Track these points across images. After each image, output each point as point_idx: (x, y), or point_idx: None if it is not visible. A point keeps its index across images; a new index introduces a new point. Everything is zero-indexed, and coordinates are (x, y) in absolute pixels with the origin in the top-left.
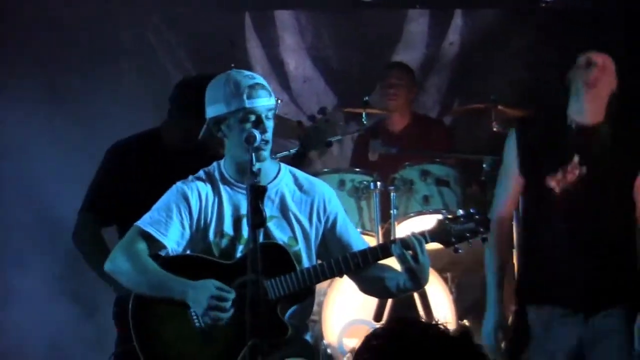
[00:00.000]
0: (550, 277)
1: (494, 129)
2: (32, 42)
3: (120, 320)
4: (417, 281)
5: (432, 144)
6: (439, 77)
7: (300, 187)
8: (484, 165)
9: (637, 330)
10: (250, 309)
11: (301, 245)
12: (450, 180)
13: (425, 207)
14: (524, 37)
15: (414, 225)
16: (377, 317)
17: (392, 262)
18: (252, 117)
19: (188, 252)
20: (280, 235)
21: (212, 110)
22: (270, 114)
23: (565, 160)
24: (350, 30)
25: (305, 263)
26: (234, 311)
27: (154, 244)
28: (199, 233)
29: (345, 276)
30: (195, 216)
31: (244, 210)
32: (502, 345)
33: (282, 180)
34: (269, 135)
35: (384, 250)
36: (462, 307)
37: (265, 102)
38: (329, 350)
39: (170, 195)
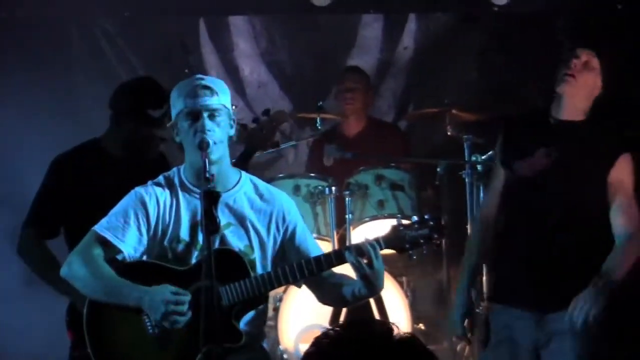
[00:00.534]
0: (511, 276)
1: (449, 133)
2: None
3: (73, 326)
4: (372, 288)
5: (387, 149)
6: (393, 82)
7: (260, 196)
8: (439, 170)
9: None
10: (205, 315)
11: (257, 254)
12: (405, 185)
13: (380, 211)
14: (477, 41)
15: (369, 230)
16: (333, 322)
17: (348, 269)
18: (190, 116)
19: (145, 257)
20: (236, 243)
21: (172, 117)
22: (216, 114)
23: (537, 149)
24: (305, 35)
25: (260, 272)
26: (190, 315)
27: (110, 249)
28: (156, 239)
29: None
30: (152, 222)
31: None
32: (469, 333)
33: (241, 188)
34: (212, 135)
35: (338, 256)
36: (418, 312)
37: (205, 101)
38: (285, 356)
39: (128, 201)
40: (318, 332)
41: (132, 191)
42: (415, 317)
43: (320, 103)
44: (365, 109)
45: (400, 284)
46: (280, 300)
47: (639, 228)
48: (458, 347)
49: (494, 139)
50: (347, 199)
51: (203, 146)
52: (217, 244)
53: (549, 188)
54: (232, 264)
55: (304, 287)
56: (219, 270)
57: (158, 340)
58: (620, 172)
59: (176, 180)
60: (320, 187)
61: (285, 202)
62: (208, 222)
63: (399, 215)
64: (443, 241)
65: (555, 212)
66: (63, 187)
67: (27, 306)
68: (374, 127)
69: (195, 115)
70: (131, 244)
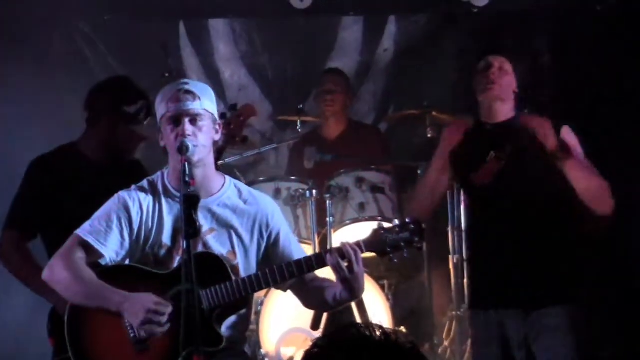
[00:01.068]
0: (493, 277)
1: (429, 135)
2: None
3: (55, 332)
4: (353, 291)
5: (367, 150)
6: (374, 84)
7: (244, 201)
8: (419, 172)
9: None
10: (185, 318)
11: (240, 260)
12: (386, 187)
13: (361, 214)
14: (457, 42)
15: (350, 232)
16: (314, 325)
17: (329, 272)
18: (172, 120)
19: (127, 261)
20: (219, 248)
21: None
22: (198, 119)
23: (484, 159)
24: (285, 38)
25: None
26: (169, 323)
27: (93, 253)
28: (138, 243)
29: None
30: (135, 226)
31: None
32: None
33: (225, 193)
34: (192, 139)
35: (318, 260)
36: (399, 314)
37: (187, 105)
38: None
39: (111, 205)
40: (299, 336)
41: (116, 195)
42: (397, 320)
43: (301, 106)
44: (345, 111)
45: (382, 286)
46: (262, 304)
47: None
48: (439, 350)
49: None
50: (328, 201)
51: (182, 150)
52: (200, 250)
53: (510, 189)
54: (213, 267)
55: (285, 290)
56: (199, 274)
57: (139, 345)
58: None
59: (159, 185)
60: (301, 190)
61: (269, 207)
62: (187, 226)
63: (379, 218)
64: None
65: (522, 211)
66: (41, 190)
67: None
68: (354, 129)
69: (176, 119)
70: (113, 248)
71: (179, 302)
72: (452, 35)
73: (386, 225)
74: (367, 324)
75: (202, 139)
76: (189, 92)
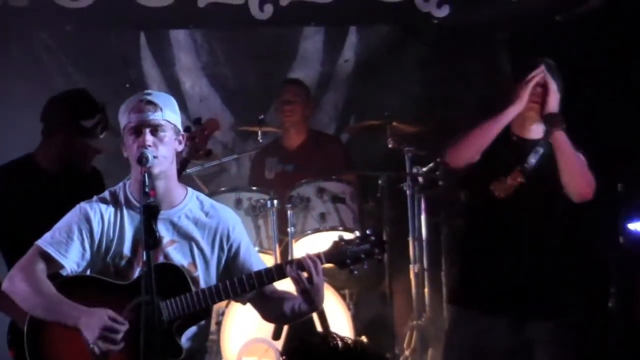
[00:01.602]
0: (486, 280)
1: (390, 146)
2: None
3: (14, 344)
4: (312, 303)
5: (328, 160)
6: (335, 94)
7: (205, 213)
8: (380, 182)
9: None
10: (145, 330)
11: (200, 272)
12: (347, 197)
13: (322, 224)
14: (417, 53)
15: (311, 242)
16: (276, 335)
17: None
18: (133, 131)
19: (88, 272)
20: (180, 260)
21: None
22: (159, 129)
23: (507, 171)
24: (246, 48)
25: None
26: (128, 332)
27: (53, 264)
28: (99, 254)
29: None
30: (96, 237)
31: None
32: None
33: (187, 205)
34: (153, 150)
35: (278, 271)
36: (360, 324)
37: (148, 116)
38: None
39: (72, 216)
40: (261, 346)
41: (77, 206)
42: (358, 330)
43: (262, 116)
44: (305, 121)
45: (343, 296)
46: (223, 314)
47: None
48: (401, 359)
49: (434, 151)
50: (289, 211)
51: (142, 161)
52: (160, 261)
53: (522, 205)
54: (173, 279)
55: (244, 304)
56: (160, 285)
57: (99, 357)
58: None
59: (121, 196)
60: (262, 200)
61: (230, 219)
62: (147, 237)
63: (340, 228)
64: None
65: (530, 227)
66: None
67: None
68: (314, 138)
69: (138, 130)
70: (74, 259)
71: (139, 313)
72: (413, 46)
73: (347, 236)
74: (333, 335)
75: (163, 150)
76: (150, 102)
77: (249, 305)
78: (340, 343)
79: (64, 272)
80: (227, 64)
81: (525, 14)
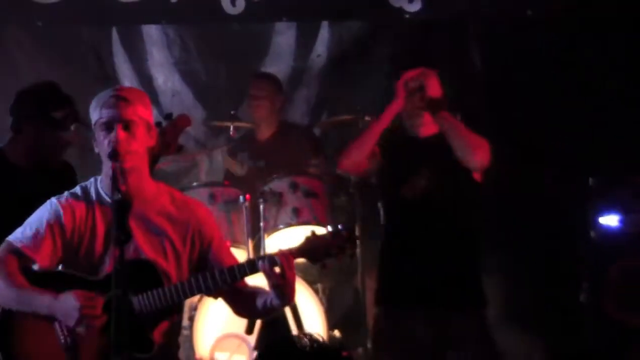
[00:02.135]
0: (407, 280)
1: None
2: None
3: None
4: (284, 298)
5: (298, 152)
6: (307, 89)
7: (177, 207)
8: (352, 177)
9: None
10: (116, 325)
11: (172, 266)
12: (319, 192)
13: (295, 219)
14: (390, 47)
15: (283, 237)
16: (249, 330)
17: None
18: (105, 126)
19: (59, 267)
20: (152, 254)
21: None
22: (131, 125)
23: (412, 172)
24: (218, 43)
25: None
26: (100, 327)
27: (25, 259)
28: (71, 250)
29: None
30: (68, 233)
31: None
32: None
33: (159, 199)
34: (124, 145)
35: (251, 266)
36: (333, 318)
37: (120, 111)
38: None
39: (43, 211)
40: (233, 341)
41: (48, 201)
42: (331, 324)
43: (233, 111)
44: (276, 114)
45: (316, 291)
46: (195, 309)
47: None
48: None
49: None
50: (261, 206)
51: (113, 156)
52: (132, 256)
53: (431, 205)
54: (145, 273)
55: (216, 298)
56: (131, 280)
57: (69, 351)
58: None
59: (92, 191)
60: (235, 195)
61: (202, 213)
62: (119, 232)
63: (313, 223)
64: (357, 250)
65: (442, 223)
66: None
67: None
68: (285, 131)
69: (109, 125)
70: (46, 255)
71: (111, 308)
72: (385, 41)
73: (319, 231)
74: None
75: (135, 146)
76: (122, 98)
77: (221, 300)
78: (311, 341)
79: (35, 267)
80: (200, 59)
81: (497, 9)
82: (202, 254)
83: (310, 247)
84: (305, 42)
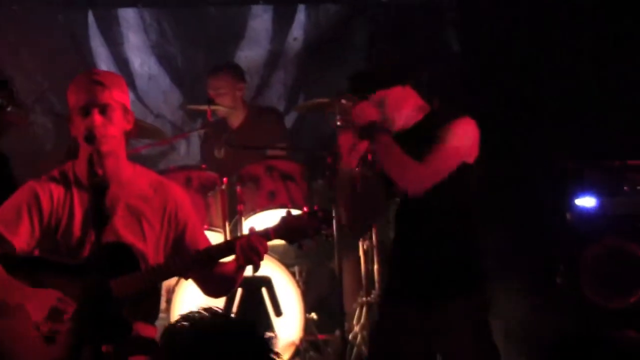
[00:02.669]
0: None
1: (338, 123)
2: None
3: None
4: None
5: (268, 134)
6: (284, 73)
7: (154, 189)
8: (329, 160)
9: None
10: (93, 308)
11: (150, 248)
12: (296, 176)
13: (272, 202)
14: (366, 31)
15: (260, 220)
16: (226, 311)
17: None
18: (82, 111)
19: (37, 252)
20: (130, 237)
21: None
22: (108, 109)
23: None
24: (194, 27)
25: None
26: (77, 310)
27: (3, 243)
28: (49, 233)
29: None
30: (46, 216)
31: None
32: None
33: (135, 182)
34: (100, 129)
35: (228, 248)
36: (311, 301)
37: (96, 96)
38: None
39: (21, 195)
40: None
41: (26, 185)
42: (308, 307)
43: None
44: (241, 101)
45: (292, 273)
46: (173, 292)
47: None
48: (350, 336)
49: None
50: (238, 190)
51: (90, 140)
52: (110, 239)
53: (411, 205)
54: (122, 257)
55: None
56: (109, 264)
57: (46, 334)
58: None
59: (70, 175)
60: (212, 179)
61: (178, 195)
62: (96, 215)
63: (290, 206)
64: (334, 232)
65: (428, 222)
66: None
67: None
68: (255, 115)
69: (86, 109)
70: (23, 239)
71: (88, 291)
72: (361, 24)
73: (295, 213)
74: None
75: (112, 130)
76: (98, 82)
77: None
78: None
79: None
80: (176, 42)
81: None
82: (178, 236)
83: (287, 228)
84: (281, 26)
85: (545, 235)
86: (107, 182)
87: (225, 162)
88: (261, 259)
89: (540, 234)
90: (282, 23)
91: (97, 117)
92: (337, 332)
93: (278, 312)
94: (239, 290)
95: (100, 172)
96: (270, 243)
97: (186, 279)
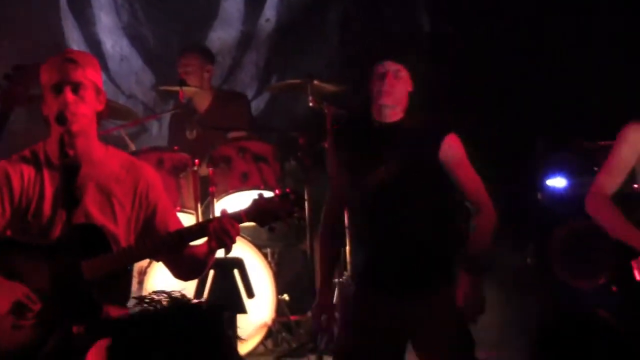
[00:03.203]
0: (372, 264)
1: (310, 104)
2: None
3: None
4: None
5: (233, 118)
6: (256, 54)
7: (126, 170)
8: (301, 141)
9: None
10: (64, 290)
11: (122, 229)
12: (269, 157)
13: (244, 183)
14: (339, 12)
15: (233, 201)
16: (198, 294)
17: None
18: (54, 90)
19: (7, 232)
20: (101, 217)
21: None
22: (80, 88)
23: (375, 157)
24: (167, 8)
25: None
26: (48, 292)
27: None
28: (19, 213)
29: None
30: (16, 196)
31: None
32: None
33: (106, 162)
34: (72, 108)
35: (200, 230)
36: (283, 282)
37: (69, 74)
38: None
39: None
40: None
41: None
42: (280, 288)
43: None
44: (207, 83)
45: (265, 255)
46: (144, 273)
47: (485, 198)
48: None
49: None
50: (210, 171)
51: (61, 119)
52: (81, 220)
53: (390, 195)
54: (93, 238)
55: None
56: (80, 245)
57: (16, 315)
58: (449, 149)
59: (41, 154)
60: (184, 160)
61: (149, 177)
62: (67, 196)
63: (262, 187)
64: (306, 212)
65: (400, 212)
66: None
67: None
68: (220, 99)
69: (58, 88)
70: None
71: (59, 272)
72: (334, 6)
73: (267, 195)
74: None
75: (83, 109)
76: (71, 60)
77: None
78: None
79: None
80: (148, 24)
81: None
82: (148, 217)
83: (258, 211)
84: (254, 7)
85: (516, 216)
86: (79, 163)
87: (198, 143)
88: (233, 241)
89: (511, 214)
90: (254, 4)
91: (70, 95)
92: (309, 313)
93: (250, 294)
94: (211, 272)
95: (71, 152)
96: (242, 225)
97: (157, 261)
